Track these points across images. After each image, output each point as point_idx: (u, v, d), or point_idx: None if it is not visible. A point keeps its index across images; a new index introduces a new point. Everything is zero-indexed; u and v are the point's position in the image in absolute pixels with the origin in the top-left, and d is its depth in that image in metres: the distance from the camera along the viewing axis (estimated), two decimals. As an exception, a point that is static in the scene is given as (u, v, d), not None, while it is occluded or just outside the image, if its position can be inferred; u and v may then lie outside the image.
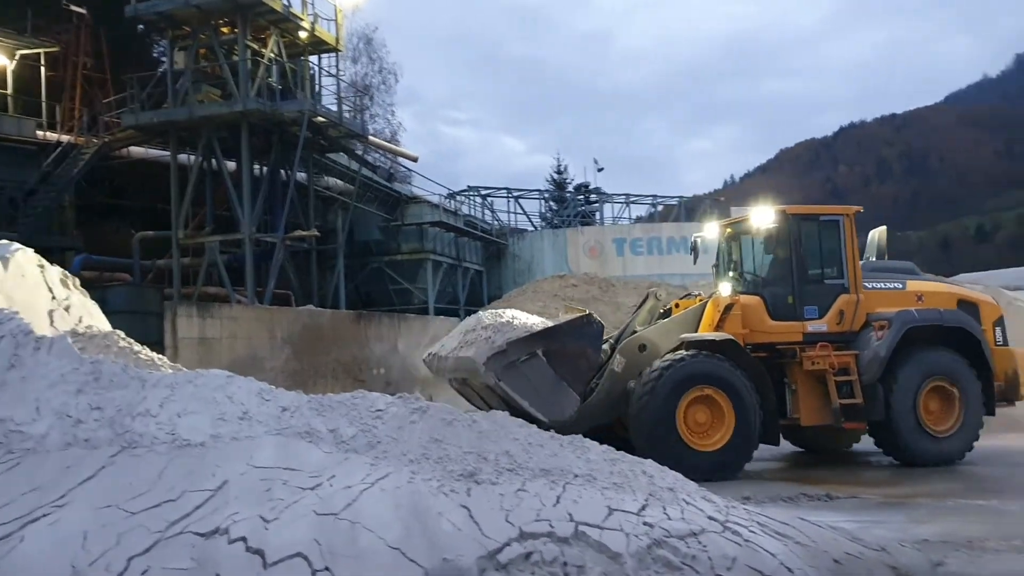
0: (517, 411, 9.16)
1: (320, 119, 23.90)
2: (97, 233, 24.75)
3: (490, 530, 4.13)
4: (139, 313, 16.25)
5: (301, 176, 25.68)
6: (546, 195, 44.60)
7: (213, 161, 23.64)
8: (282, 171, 24.72)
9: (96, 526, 4.00)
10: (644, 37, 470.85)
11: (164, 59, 26.85)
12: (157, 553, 3.89)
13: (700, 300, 10.78)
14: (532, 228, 39.41)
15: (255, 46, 23.54)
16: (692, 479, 5.35)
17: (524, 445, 5.05)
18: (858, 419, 10.29)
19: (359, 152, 28.79)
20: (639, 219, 43.13)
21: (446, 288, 31.23)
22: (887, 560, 4.74)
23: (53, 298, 6.42)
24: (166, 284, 23.50)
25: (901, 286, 10.88)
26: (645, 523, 4.36)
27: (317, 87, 26.11)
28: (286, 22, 23.58)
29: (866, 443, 11.77)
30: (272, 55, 23.61)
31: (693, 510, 4.60)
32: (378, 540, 3.99)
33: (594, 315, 10.20)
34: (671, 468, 5.49)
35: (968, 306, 10.92)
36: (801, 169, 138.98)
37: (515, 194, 39.22)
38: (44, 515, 4.10)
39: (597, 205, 43.14)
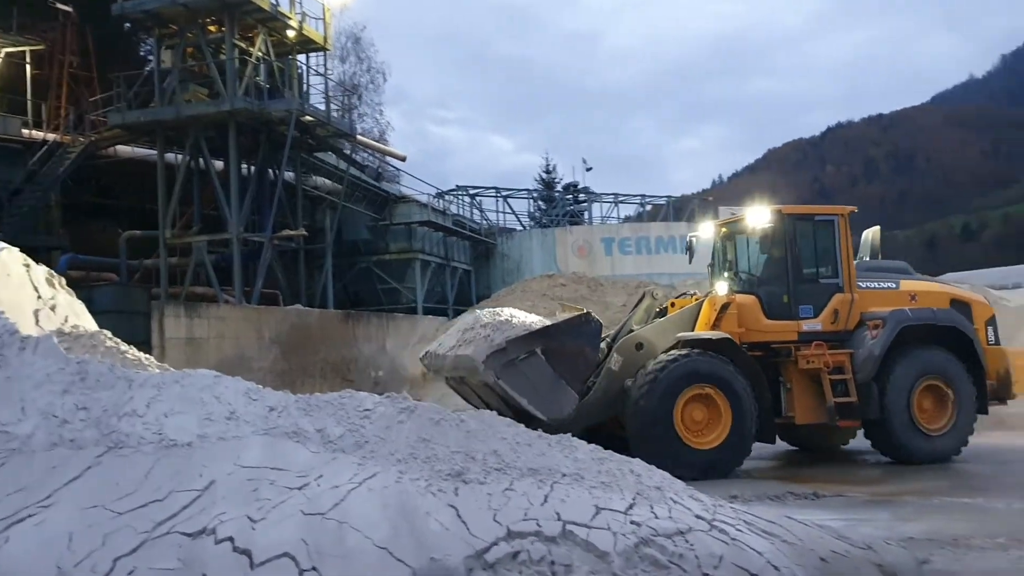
0: (516, 409, 9.17)
1: (308, 118, 23.85)
2: (84, 232, 24.62)
3: (478, 529, 4.12)
4: (126, 313, 16.23)
5: (289, 175, 25.61)
6: (535, 194, 44.65)
7: (200, 160, 23.57)
8: (270, 170, 24.67)
9: (82, 526, 3.98)
10: (632, 36, 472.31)
11: (151, 58, 26.73)
12: (143, 553, 3.87)
13: (696, 299, 10.81)
14: (520, 227, 39.45)
15: (243, 45, 23.49)
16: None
17: (512, 444, 5.05)
18: (852, 417, 10.34)
19: (347, 151, 28.77)
20: (628, 219, 43.21)
21: (434, 288, 31.20)
22: (873, 558, 4.76)
23: (39, 298, 6.37)
24: (153, 284, 23.43)
25: (895, 286, 10.94)
26: (632, 522, 4.36)
27: (305, 86, 26.06)
28: (274, 21, 23.53)
29: (856, 442, 11.83)
30: (260, 54, 23.54)
31: (680, 509, 4.60)
32: (366, 540, 3.98)
33: (592, 314, 10.21)
34: (668, 466, 5.50)
35: (961, 306, 10.99)
36: (789, 169, 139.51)
37: (503, 193, 39.25)
38: (30, 516, 4.07)
39: (586, 204, 43.26)
